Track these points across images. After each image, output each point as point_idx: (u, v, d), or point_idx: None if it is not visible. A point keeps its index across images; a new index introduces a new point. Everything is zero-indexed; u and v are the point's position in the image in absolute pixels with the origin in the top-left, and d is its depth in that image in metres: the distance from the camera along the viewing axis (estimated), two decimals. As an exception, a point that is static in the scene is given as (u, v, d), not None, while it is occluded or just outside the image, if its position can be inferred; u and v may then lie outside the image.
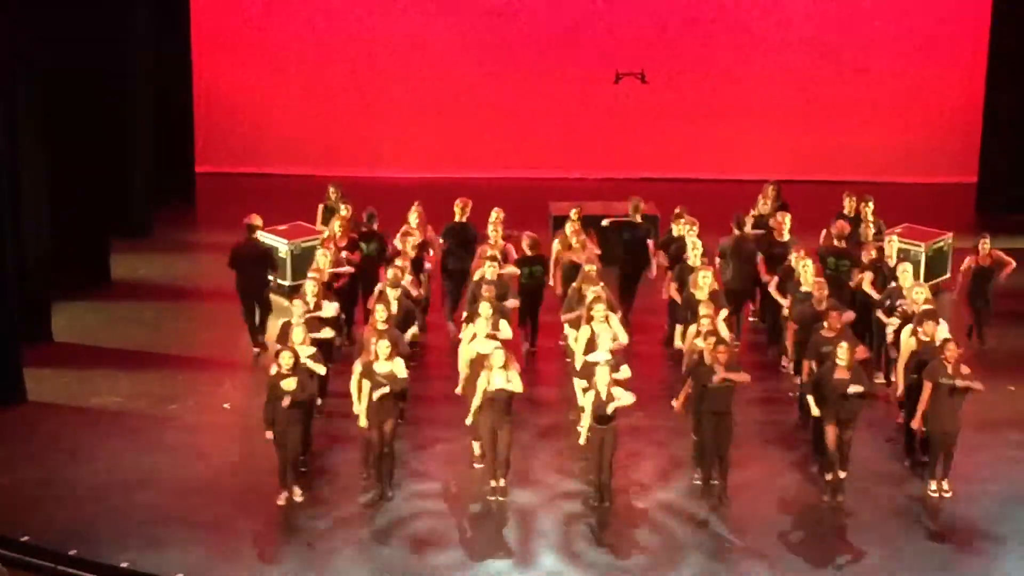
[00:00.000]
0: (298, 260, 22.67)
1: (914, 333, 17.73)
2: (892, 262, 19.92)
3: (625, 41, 28.68)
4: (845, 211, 21.99)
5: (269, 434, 16.83)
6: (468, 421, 17.20)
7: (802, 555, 16.24)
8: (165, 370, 20.58)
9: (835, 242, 20.74)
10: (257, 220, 21.04)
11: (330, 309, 18.87)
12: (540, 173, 28.16)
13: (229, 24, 28.77)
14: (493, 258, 19.83)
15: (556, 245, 21.13)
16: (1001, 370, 20.36)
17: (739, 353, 20.45)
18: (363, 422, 17.04)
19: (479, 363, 17.29)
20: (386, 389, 16.81)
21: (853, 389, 16.91)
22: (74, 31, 22.83)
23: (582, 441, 16.92)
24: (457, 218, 21.58)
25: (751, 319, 22.00)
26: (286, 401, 16.56)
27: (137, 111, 25.30)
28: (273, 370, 16.93)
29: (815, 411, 17.18)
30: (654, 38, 28.67)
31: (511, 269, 20.34)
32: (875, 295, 19.67)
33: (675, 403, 17.49)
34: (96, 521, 16.59)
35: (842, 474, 17.24)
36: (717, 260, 20.80)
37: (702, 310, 18.20)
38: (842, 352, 16.97)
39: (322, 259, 19.94)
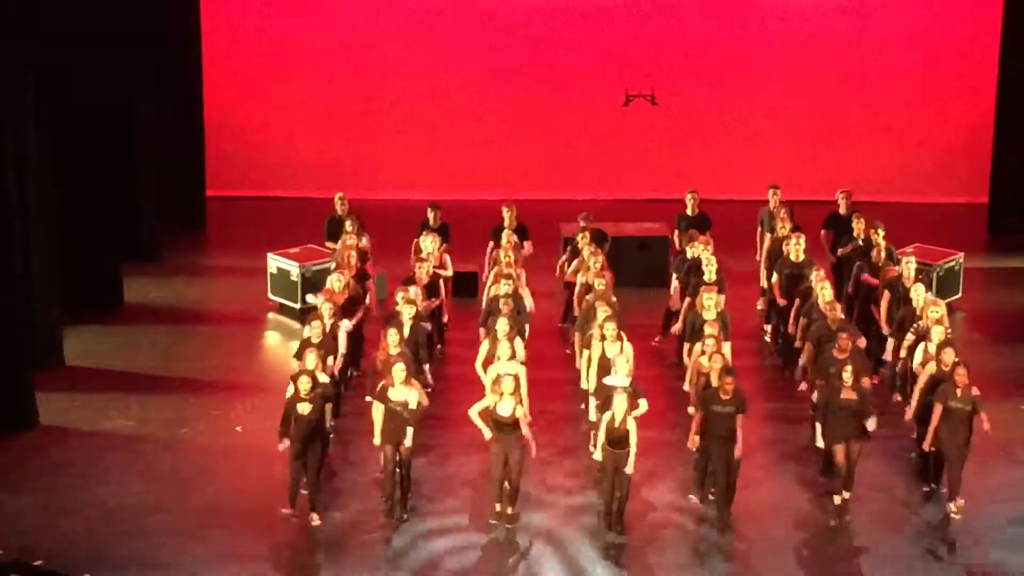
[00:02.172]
0: (309, 283, 22.69)
1: (934, 358, 17.68)
2: (909, 283, 19.86)
3: (635, 63, 28.71)
4: (840, 210, 22.45)
5: (283, 445, 16.80)
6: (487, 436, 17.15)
7: (807, 571, 16.21)
8: (176, 394, 20.58)
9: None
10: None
11: (341, 338, 18.93)
12: (550, 195, 28.18)
13: (240, 49, 28.85)
14: (508, 276, 19.90)
15: (573, 267, 21.21)
16: (1013, 389, 20.33)
17: (754, 374, 20.58)
18: (377, 440, 17.06)
19: (499, 383, 17.34)
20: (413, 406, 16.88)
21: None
22: (85, 57, 22.90)
23: (596, 456, 16.89)
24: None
25: (766, 339, 22.00)
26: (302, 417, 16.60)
27: (148, 136, 25.33)
28: (290, 392, 16.95)
29: (819, 440, 17.18)
30: (664, 60, 28.71)
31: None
32: (883, 321, 19.80)
33: (690, 443, 17.41)
34: (108, 545, 16.58)
35: (846, 494, 17.21)
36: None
37: (707, 329, 18.22)
38: (847, 374, 16.97)
39: (336, 283, 19.93)
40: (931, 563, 16.47)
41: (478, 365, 18.65)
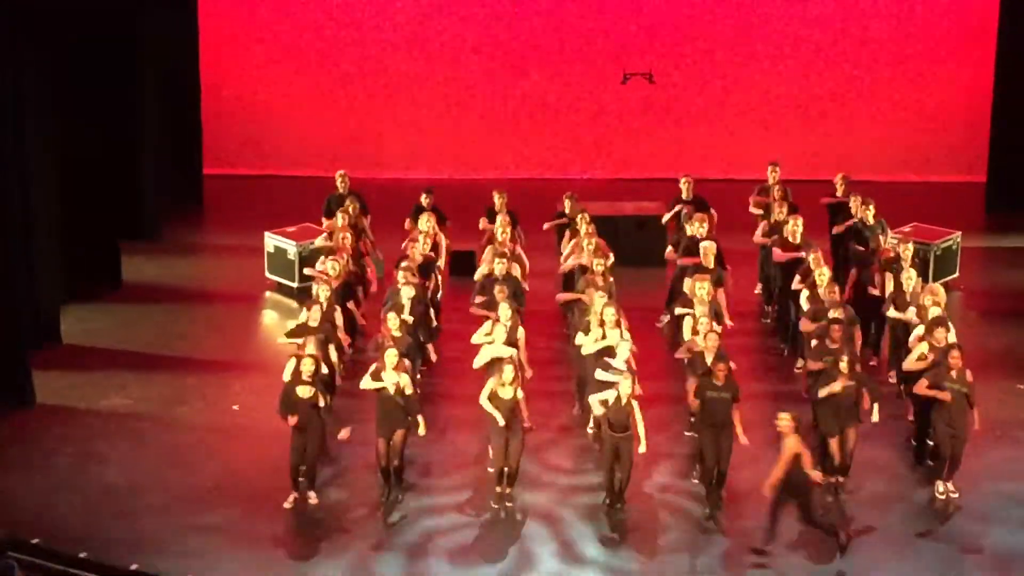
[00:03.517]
0: (306, 262, 22.68)
1: (925, 339, 17.73)
2: (907, 264, 19.87)
3: (633, 41, 28.67)
4: (837, 194, 22.54)
5: (293, 419, 16.80)
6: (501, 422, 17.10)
7: (810, 557, 16.22)
8: (174, 372, 20.60)
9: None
10: None
11: (338, 317, 18.98)
12: (548, 174, 28.16)
13: (238, 26, 28.79)
14: (503, 255, 19.90)
15: (568, 248, 21.18)
16: (1010, 368, 20.34)
17: (751, 354, 20.60)
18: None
19: (495, 367, 17.33)
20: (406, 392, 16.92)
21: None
22: (82, 34, 22.86)
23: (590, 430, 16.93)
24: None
25: (765, 320, 22.01)
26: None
27: (146, 113, 25.30)
28: (288, 371, 16.96)
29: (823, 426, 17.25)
30: (662, 38, 28.66)
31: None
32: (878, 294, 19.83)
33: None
34: (106, 523, 16.62)
35: (841, 479, 17.26)
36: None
37: (698, 308, 18.23)
38: (843, 363, 16.99)
39: (332, 268, 19.92)
40: (926, 542, 16.52)
41: (475, 338, 18.57)
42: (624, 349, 17.59)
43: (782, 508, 15.98)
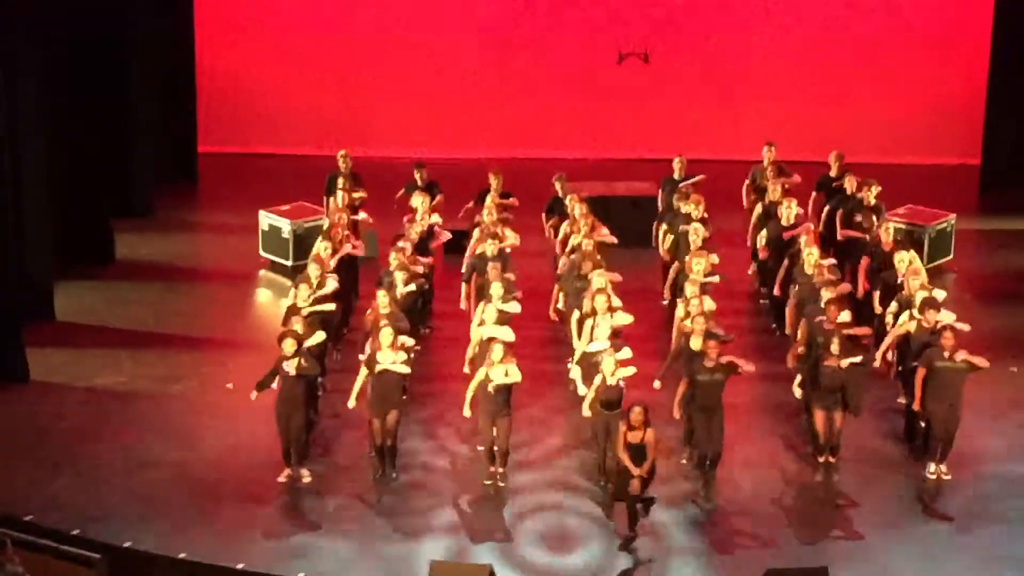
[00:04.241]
0: (301, 241, 22.67)
1: (914, 319, 17.74)
2: (888, 248, 19.85)
3: (628, 21, 28.61)
4: (832, 172, 22.49)
5: (253, 394, 16.89)
6: (466, 413, 17.15)
7: (799, 535, 16.28)
8: (168, 350, 20.60)
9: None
10: None
11: (331, 284, 18.93)
12: (542, 153, 28.10)
13: (233, 4, 28.72)
14: (494, 235, 19.88)
15: (564, 228, 21.17)
16: (1003, 350, 20.33)
17: (744, 334, 20.60)
18: (351, 403, 17.12)
19: (487, 347, 17.33)
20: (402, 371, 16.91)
21: (847, 361, 16.99)
22: (76, 10, 22.81)
23: (586, 412, 16.90)
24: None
25: (762, 301, 22.02)
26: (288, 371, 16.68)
27: (140, 90, 25.23)
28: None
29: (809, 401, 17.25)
30: (657, 18, 28.61)
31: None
32: (862, 283, 19.86)
33: (657, 383, 17.41)
34: (99, 501, 16.63)
35: (832, 459, 17.27)
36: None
37: (688, 289, 18.24)
38: (835, 345, 16.99)
39: (324, 249, 19.88)
40: (916, 521, 16.57)
41: (473, 328, 18.59)
42: (605, 325, 17.58)
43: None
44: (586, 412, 16.99)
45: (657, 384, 17.44)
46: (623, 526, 16.05)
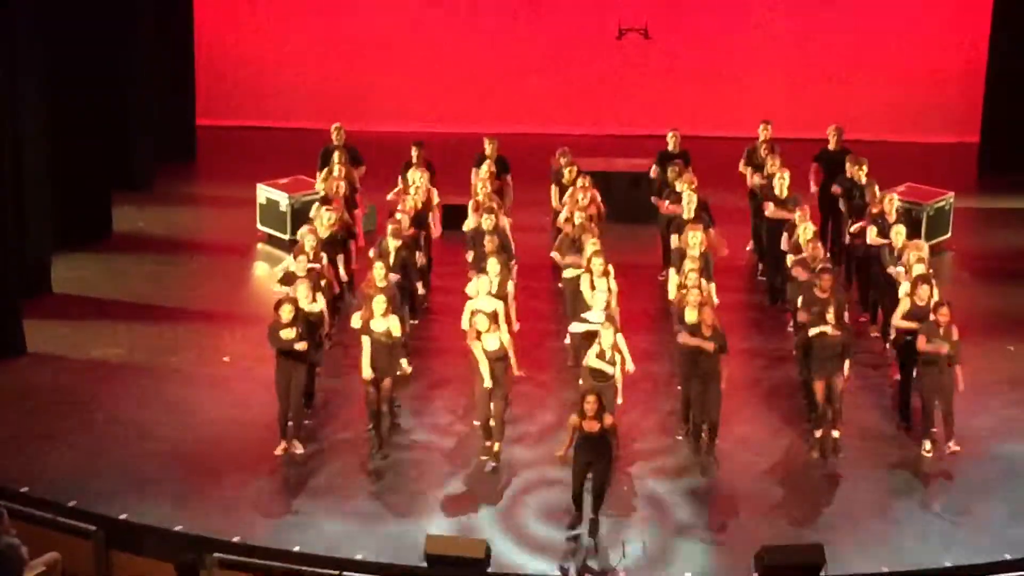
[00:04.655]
0: (298, 214, 22.66)
1: (909, 295, 17.75)
2: (891, 219, 19.87)
3: (628, -4, 28.62)
4: (830, 146, 22.47)
5: (301, 344, 16.79)
6: (487, 384, 16.93)
7: (794, 513, 16.29)
8: (165, 323, 20.60)
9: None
10: None
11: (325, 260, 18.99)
12: (541, 129, 28.07)
13: (231, -24, 28.72)
14: (490, 209, 19.86)
15: (565, 201, 21.16)
16: (1000, 329, 20.37)
17: (742, 311, 20.62)
18: (367, 374, 17.04)
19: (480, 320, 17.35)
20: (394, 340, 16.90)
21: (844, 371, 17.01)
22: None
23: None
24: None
25: (759, 277, 22.01)
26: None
27: (139, 64, 25.21)
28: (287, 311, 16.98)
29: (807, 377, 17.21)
30: (657, -6, 28.62)
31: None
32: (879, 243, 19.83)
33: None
34: (95, 472, 16.63)
35: (835, 433, 17.27)
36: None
37: (687, 264, 18.24)
38: (830, 314, 17.00)
39: (324, 220, 19.83)
40: (909, 498, 16.57)
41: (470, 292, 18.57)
42: (600, 299, 17.58)
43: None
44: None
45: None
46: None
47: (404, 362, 17.16)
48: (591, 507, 15.79)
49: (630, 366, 16.82)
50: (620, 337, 16.73)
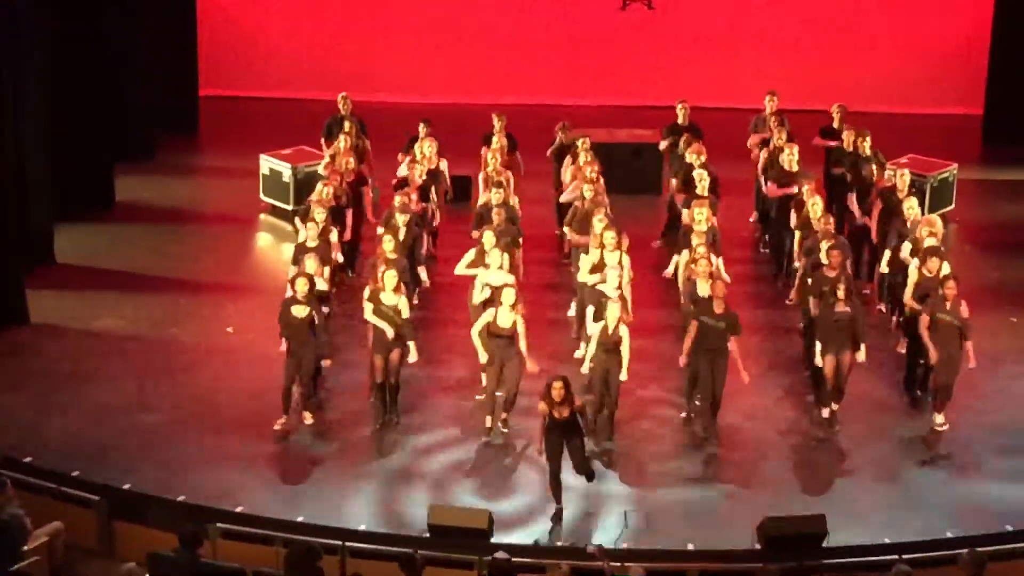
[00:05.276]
0: (302, 184, 22.62)
1: (919, 268, 17.73)
2: (903, 195, 19.81)
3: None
4: (834, 124, 22.35)
5: (283, 344, 16.84)
6: (483, 359, 17.07)
7: (798, 484, 16.35)
8: (168, 293, 20.59)
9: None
10: None
11: (334, 235, 18.92)
12: (545, 99, 28.00)
13: (233, -53, 28.61)
14: (499, 184, 19.83)
15: (568, 174, 21.13)
16: (1004, 301, 20.36)
17: (746, 283, 20.60)
18: (391, 332, 16.96)
19: (489, 296, 17.31)
20: (389, 331, 16.87)
21: (860, 356, 17.03)
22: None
23: (585, 369, 16.89)
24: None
25: (763, 250, 21.98)
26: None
27: (141, 34, 25.12)
28: (289, 293, 16.93)
29: (818, 360, 17.11)
30: (661, -37, 28.52)
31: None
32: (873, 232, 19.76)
33: (682, 359, 17.25)
34: (98, 443, 16.66)
35: (835, 406, 17.27)
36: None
37: (695, 239, 18.22)
38: (840, 290, 16.97)
39: (326, 191, 19.81)
40: (915, 470, 16.61)
41: (458, 270, 18.53)
42: (613, 276, 17.56)
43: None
44: (585, 370, 16.89)
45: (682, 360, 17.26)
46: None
47: (412, 347, 17.07)
48: (586, 480, 15.83)
49: (624, 374, 16.73)
50: (625, 331, 16.68)
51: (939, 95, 28.23)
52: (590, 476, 15.82)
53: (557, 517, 15.69)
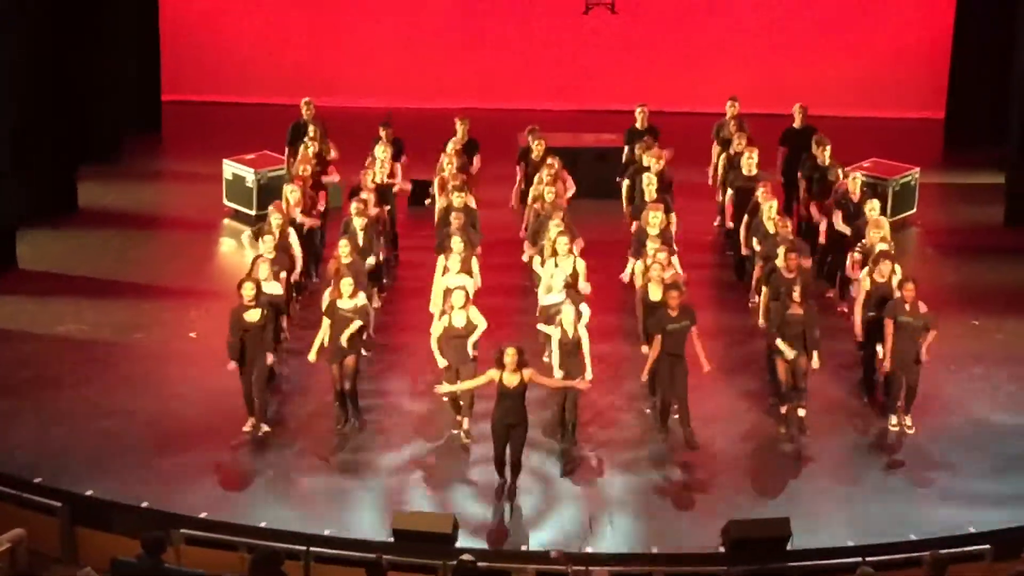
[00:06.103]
0: (264, 190, 22.59)
1: (870, 273, 17.81)
2: (856, 198, 19.93)
3: (595, -29, 28.55)
4: (796, 124, 22.52)
5: (232, 365, 16.83)
6: (441, 364, 17.03)
7: (760, 487, 16.38)
8: (131, 298, 20.52)
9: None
10: None
11: (294, 239, 18.91)
12: (508, 104, 28.01)
13: (197, -50, 28.54)
14: (459, 187, 19.82)
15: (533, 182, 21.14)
16: (966, 304, 20.46)
17: (706, 287, 20.66)
18: (312, 356, 17.06)
19: (448, 295, 17.32)
20: (357, 324, 16.84)
21: (815, 363, 17.08)
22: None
23: (558, 375, 16.80)
24: None
25: (728, 252, 22.02)
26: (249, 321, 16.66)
27: (104, 38, 25.04)
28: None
29: (788, 353, 17.13)
30: (624, -33, 28.55)
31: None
32: (846, 230, 19.78)
33: (644, 375, 17.30)
34: (61, 449, 16.59)
35: (801, 412, 17.31)
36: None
37: (650, 245, 18.24)
38: (796, 293, 17.04)
39: (291, 195, 19.79)
40: (876, 472, 16.67)
41: (437, 284, 18.46)
42: (559, 278, 17.56)
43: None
44: (558, 374, 16.87)
45: (644, 350, 17.33)
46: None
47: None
48: (510, 474, 15.97)
49: (588, 374, 16.72)
50: (584, 332, 16.69)
51: (901, 99, 28.36)
52: (517, 469, 15.93)
53: (503, 491, 15.93)
